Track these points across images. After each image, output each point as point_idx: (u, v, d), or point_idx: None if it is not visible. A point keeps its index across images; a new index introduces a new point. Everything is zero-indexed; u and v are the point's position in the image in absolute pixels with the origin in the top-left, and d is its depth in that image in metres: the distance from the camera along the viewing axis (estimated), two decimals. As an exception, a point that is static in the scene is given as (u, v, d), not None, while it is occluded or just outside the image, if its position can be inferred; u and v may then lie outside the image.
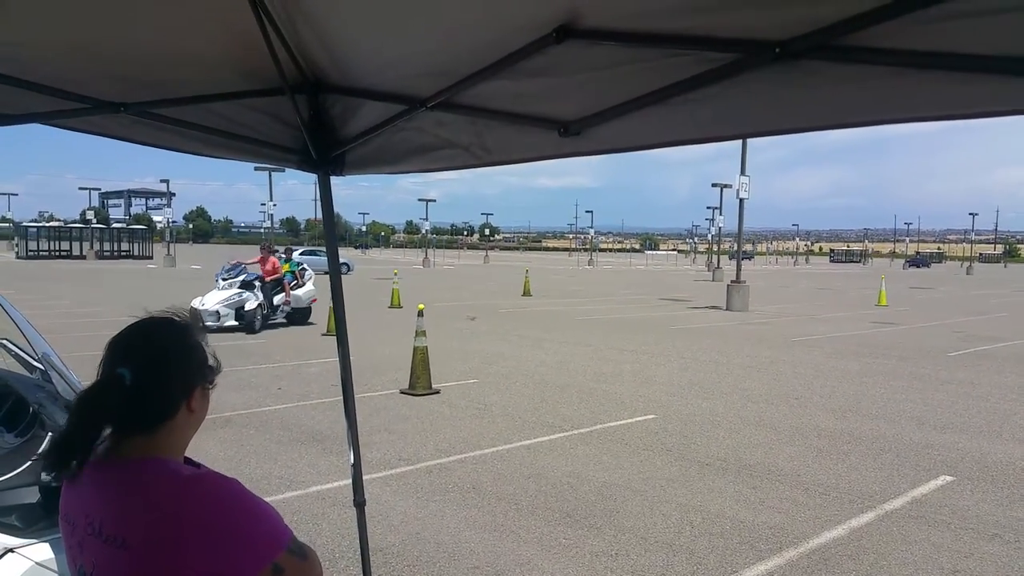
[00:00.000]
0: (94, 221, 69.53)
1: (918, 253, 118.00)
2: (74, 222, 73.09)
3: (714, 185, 55.54)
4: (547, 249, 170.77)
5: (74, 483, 1.34)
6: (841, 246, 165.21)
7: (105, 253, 63.30)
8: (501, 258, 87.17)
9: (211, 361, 1.43)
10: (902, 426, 8.57)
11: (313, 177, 2.65)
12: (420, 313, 10.08)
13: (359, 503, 2.85)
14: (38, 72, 2.03)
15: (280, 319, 17.04)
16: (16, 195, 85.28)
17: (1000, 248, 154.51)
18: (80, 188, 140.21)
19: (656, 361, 13.11)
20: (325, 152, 2.45)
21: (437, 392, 9.77)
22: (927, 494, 6.23)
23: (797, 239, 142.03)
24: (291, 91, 2.12)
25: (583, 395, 9.93)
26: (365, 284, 32.34)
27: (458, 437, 7.69)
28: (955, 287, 43.85)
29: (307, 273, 17.93)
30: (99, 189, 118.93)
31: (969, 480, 6.61)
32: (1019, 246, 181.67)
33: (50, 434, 2.85)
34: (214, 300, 15.66)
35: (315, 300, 17.70)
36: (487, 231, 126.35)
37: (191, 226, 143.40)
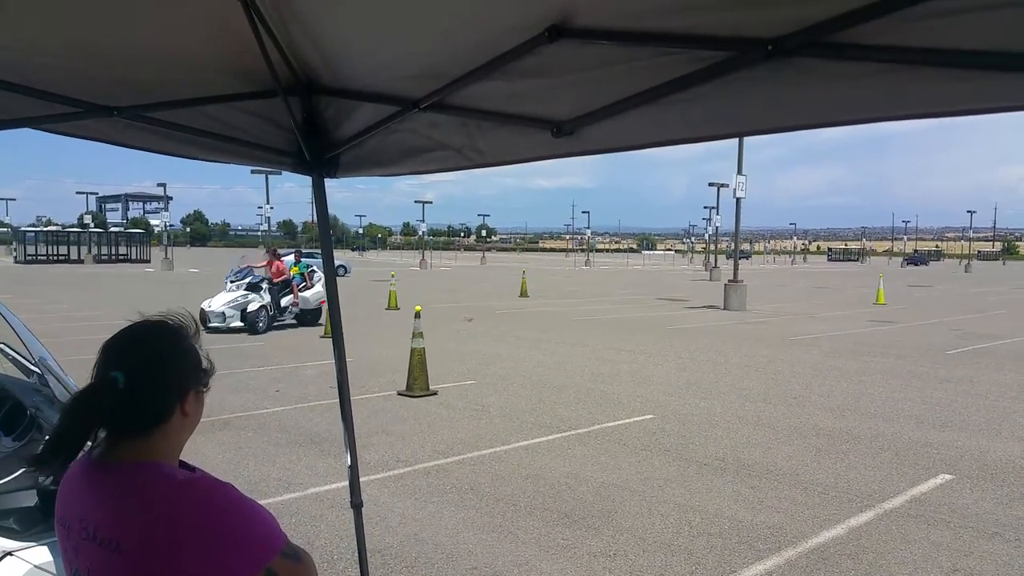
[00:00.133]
0: (92, 225, 69.37)
1: (916, 251, 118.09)
2: (72, 226, 72.97)
3: (711, 184, 55.50)
4: (544, 250, 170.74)
5: (69, 486, 1.34)
6: (839, 245, 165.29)
7: (103, 257, 63.30)
8: (498, 259, 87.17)
9: (205, 364, 1.43)
10: (901, 425, 8.58)
11: (309, 180, 2.65)
12: (417, 315, 10.08)
13: (356, 505, 2.85)
14: (30, 76, 2.02)
15: (289, 320, 17.32)
16: (14, 200, 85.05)
17: (998, 245, 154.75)
18: (78, 192, 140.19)
19: (654, 361, 13.12)
20: (319, 154, 2.45)
21: (435, 393, 9.76)
22: (926, 493, 6.24)
23: (794, 238, 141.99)
24: (284, 93, 2.12)
25: (581, 396, 9.94)
26: (362, 286, 32.33)
27: (456, 438, 7.69)
28: (953, 285, 43.91)
29: (316, 275, 18.16)
30: (96, 193, 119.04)
31: (968, 478, 6.61)
32: (1017, 243, 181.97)
33: (47, 438, 2.85)
34: (221, 302, 16.16)
35: (323, 302, 17.77)
36: (484, 232, 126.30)
37: (188, 230, 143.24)
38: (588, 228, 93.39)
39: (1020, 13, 1.15)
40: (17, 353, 3.60)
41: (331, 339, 2.83)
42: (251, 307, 16.13)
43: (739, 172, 25.90)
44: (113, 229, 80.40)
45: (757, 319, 21.12)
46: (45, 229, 71.74)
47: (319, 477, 6.36)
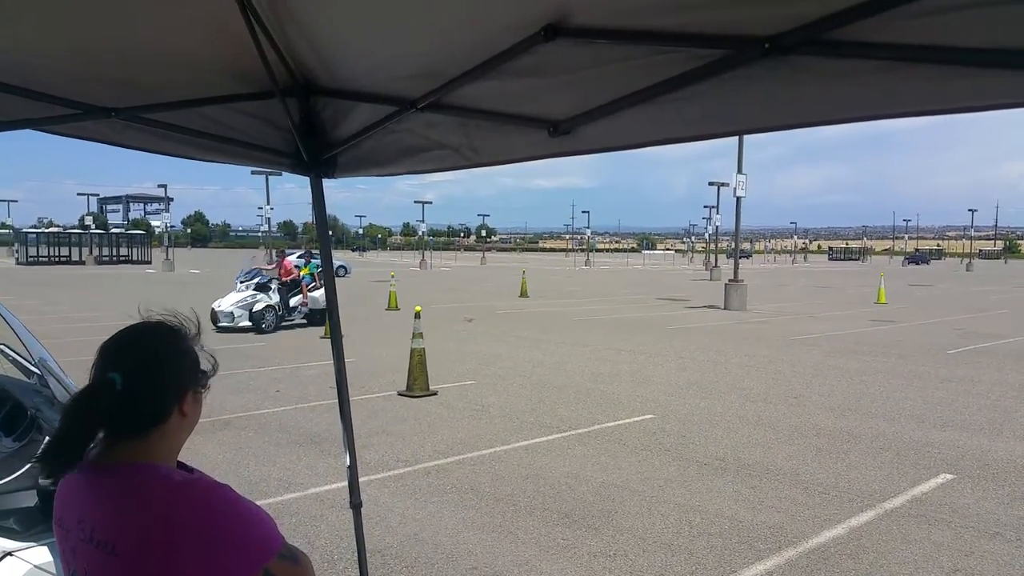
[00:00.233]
0: (93, 226, 69.48)
1: (917, 250, 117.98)
2: (73, 228, 73.00)
3: (711, 183, 55.50)
4: (544, 250, 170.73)
5: (67, 487, 1.34)
6: (840, 244, 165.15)
7: (104, 258, 63.33)
8: (498, 259, 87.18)
9: (204, 365, 1.43)
10: (902, 424, 8.57)
11: (309, 180, 2.65)
12: (417, 315, 10.09)
13: (355, 505, 2.85)
14: (28, 77, 2.02)
15: (299, 320, 17.60)
16: (16, 201, 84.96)
17: (1000, 244, 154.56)
18: (79, 194, 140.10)
19: (654, 361, 13.11)
20: (316, 155, 2.45)
21: (435, 394, 9.77)
22: (927, 492, 6.23)
23: (795, 237, 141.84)
24: (281, 94, 2.12)
25: (581, 395, 9.93)
26: (362, 286, 32.31)
27: (456, 438, 7.69)
28: (954, 284, 43.87)
29: None
30: (97, 195, 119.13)
31: (969, 478, 6.60)
32: (1019, 242, 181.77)
33: (47, 438, 2.86)
34: (230, 302, 16.59)
35: None
36: (484, 232, 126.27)
37: (189, 231, 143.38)
38: (588, 228, 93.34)
39: (1018, 10, 1.15)
40: (17, 354, 3.60)
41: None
42: (257, 307, 16.47)
43: (739, 171, 25.87)
44: (114, 230, 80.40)
45: (758, 319, 21.11)
46: (46, 230, 71.75)
47: (319, 477, 6.36)
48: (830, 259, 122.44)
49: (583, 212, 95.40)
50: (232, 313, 16.34)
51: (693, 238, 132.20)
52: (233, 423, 8.13)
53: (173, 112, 2.23)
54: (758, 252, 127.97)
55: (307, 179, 2.60)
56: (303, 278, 17.80)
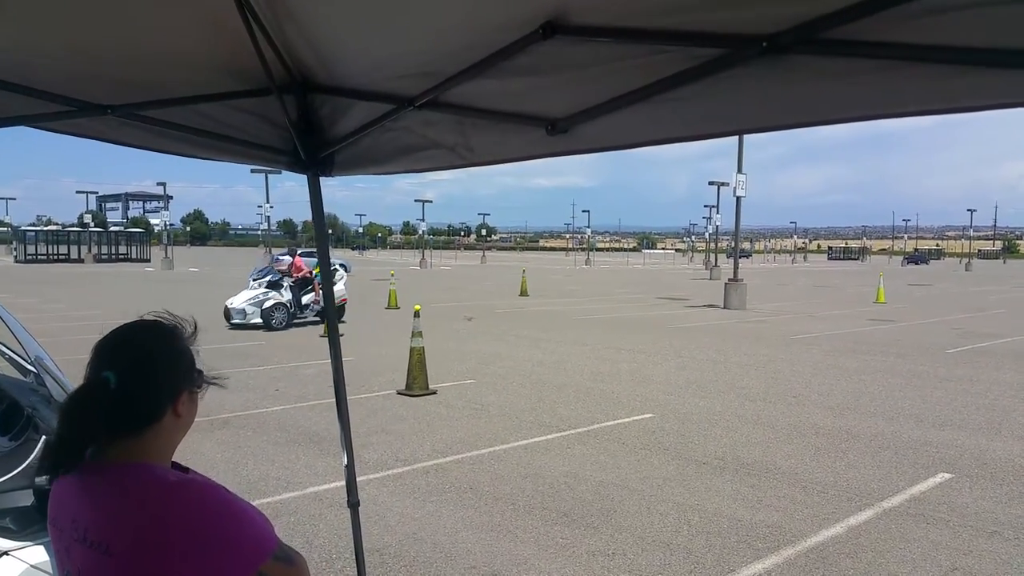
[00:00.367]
0: (92, 225, 69.39)
1: (916, 250, 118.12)
2: (72, 226, 73.00)
3: (711, 183, 55.53)
4: (544, 249, 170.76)
5: (62, 487, 1.34)
6: (839, 243, 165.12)
7: (103, 256, 63.32)
8: (498, 258, 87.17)
9: (200, 366, 1.43)
10: (900, 423, 8.57)
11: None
12: (416, 314, 10.08)
13: (353, 504, 2.84)
14: (24, 75, 2.01)
15: (311, 317, 17.79)
16: (14, 199, 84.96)
17: (999, 244, 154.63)
18: (77, 192, 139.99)
19: (653, 360, 13.11)
20: (314, 153, 2.44)
21: (434, 393, 9.76)
22: (926, 492, 6.23)
23: (795, 236, 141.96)
24: (279, 91, 2.11)
25: (580, 395, 9.93)
26: (362, 285, 32.30)
27: (455, 437, 7.68)
28: (953, 284, 43.89)
29: (338, 273, 18.63)
30: (96, 193, 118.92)
31: (968, 477, 6.60)
32: (1018, 242, 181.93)
33: (44, 438, 2.85)
34: (242, 299, 16.94)
35: (344, 300, 18.25)
36: (484, 231, 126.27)
37: (188, 229, 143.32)
38: (588, 227, 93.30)
39: (1017, 10, 1.14)
40: (14, 352, 3.59)
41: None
42: (267, 304, 16.74)
43: (739, 170, 25.88)
44: (113, 228, 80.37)
45: (757, 318, 21.11)
46: (45, 228, 71.78)
47: (318, 476, 6.36)
48: (830, 259, 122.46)
49: (583, 211, 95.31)
50: (244, 310, 16.67)
51: (693, 237, 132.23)
52: (232, 422, 8.12)
53: (169, 109, 2.23)
54: (758, 252, 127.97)
55: (306, 177, 2.59)
56: (315, 276, 17.97)
